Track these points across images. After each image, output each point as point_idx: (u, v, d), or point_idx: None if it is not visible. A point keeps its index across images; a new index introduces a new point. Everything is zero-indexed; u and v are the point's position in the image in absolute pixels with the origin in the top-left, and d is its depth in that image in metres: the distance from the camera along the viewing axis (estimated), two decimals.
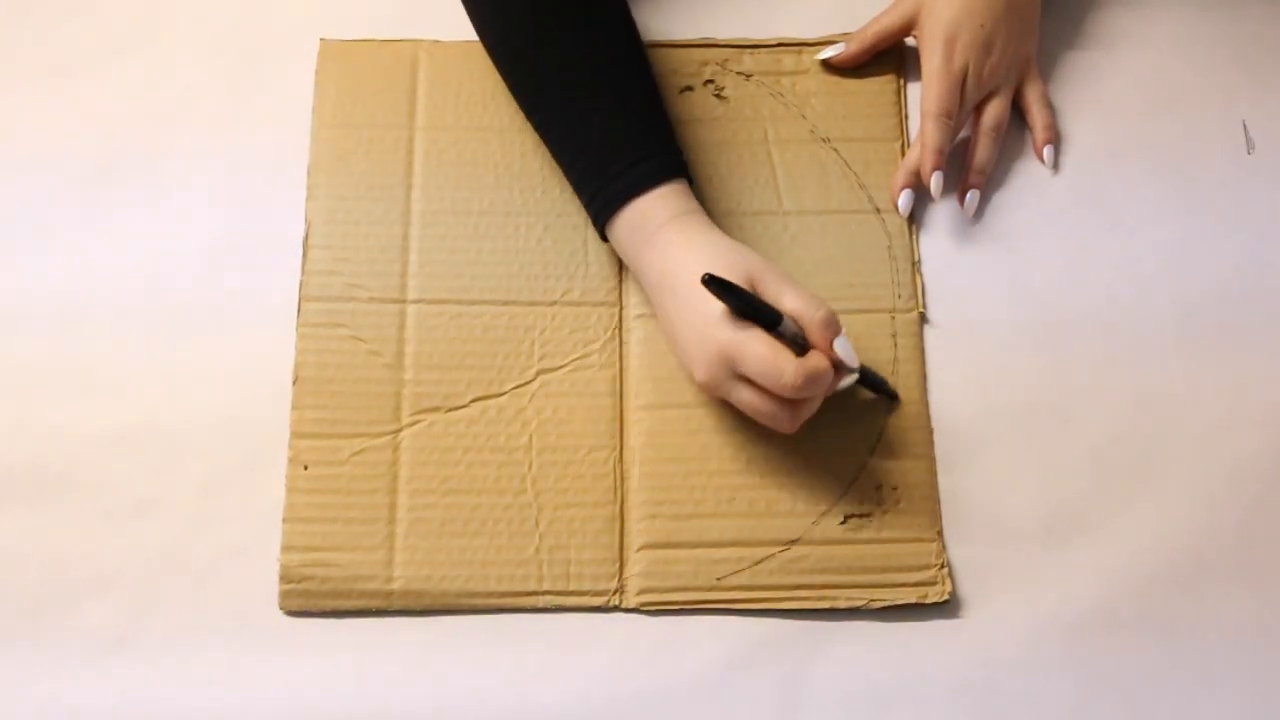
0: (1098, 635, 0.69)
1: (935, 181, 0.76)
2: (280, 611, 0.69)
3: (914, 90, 0.82)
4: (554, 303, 0.75)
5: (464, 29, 0.81)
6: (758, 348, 0.64)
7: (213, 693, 0.67)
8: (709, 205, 0.74)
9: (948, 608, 0.69)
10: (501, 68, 0.77)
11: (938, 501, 0.71)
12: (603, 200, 0.71)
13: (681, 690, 0.68)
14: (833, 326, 0.66)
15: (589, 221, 0.74)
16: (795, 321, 0.66)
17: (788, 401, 0.66)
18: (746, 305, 0.65)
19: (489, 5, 0.76)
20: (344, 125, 0.79)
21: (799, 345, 0.66)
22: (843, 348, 0.66)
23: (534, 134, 0.77)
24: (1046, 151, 0.79)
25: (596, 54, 0.73)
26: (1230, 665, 0.68)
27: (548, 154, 0.77)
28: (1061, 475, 0.72)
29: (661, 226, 0.70)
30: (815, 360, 0.65)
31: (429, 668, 0.68)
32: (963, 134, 0.80)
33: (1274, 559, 0.70)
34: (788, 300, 0.66)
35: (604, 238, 0.74)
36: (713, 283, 0.64)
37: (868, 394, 0.73)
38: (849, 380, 0.68)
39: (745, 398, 0.67)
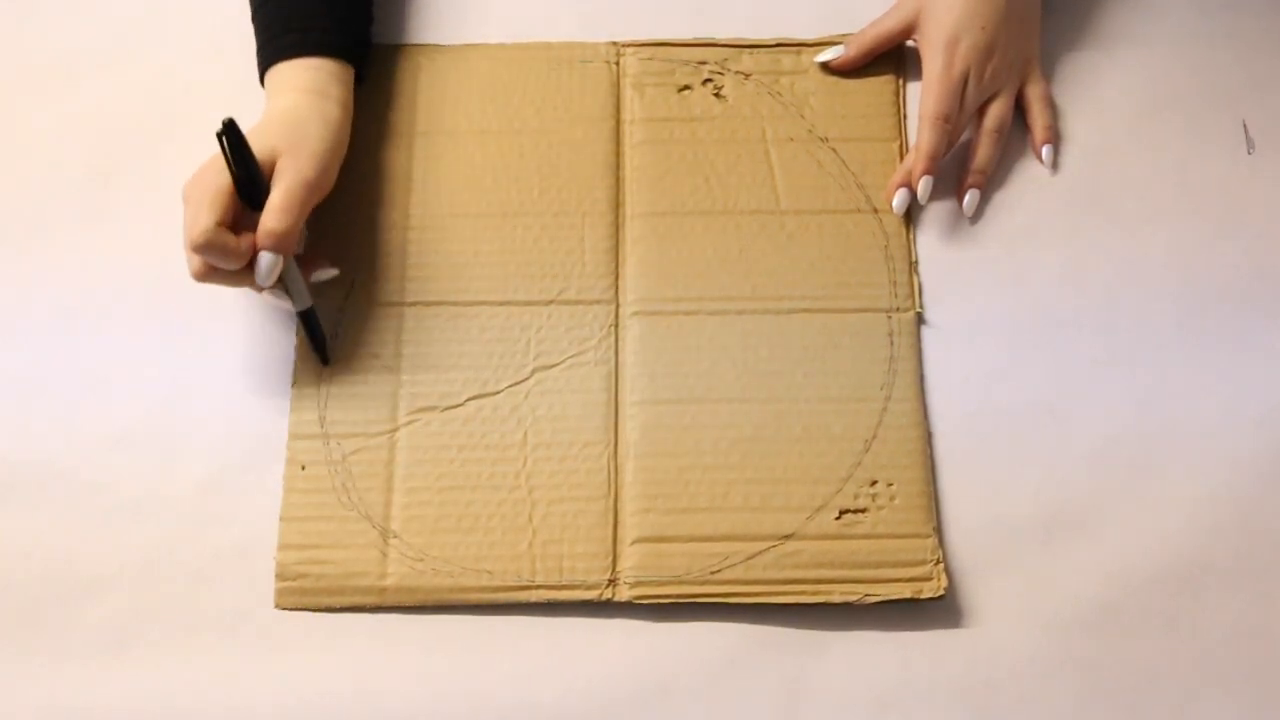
0: (1098, 635, 0.68)
1: (923, 186, 0.76)
2: (278, 610, 0.69)
3: (913, 90, 0.81)
4: (550, 301, 0.75)
5: (463, 33, 0.82)
6: (195, 191, 0.66)
7: (212, 692, 0.67)
8: (706, 204, 0.76)
9: (947, 608, 0.69)
10: None
11: (933, 498, 0.71)
12: (260, 56, 0.75)
13: (681, 690, 0.67)
14: (267, 241, 0.66)
15: (586, 219, 0.75)
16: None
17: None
18: (236, 166, 0.66)
19: None
20: None
21: None
22: (263, 266, 0.66)
23: (531, 135, 0.78)
24: (1045, 151, 0.79)
25: None
26: (1230, 665, 0.68)
27: (544, 156, 0.78)
28: (1061, 475, 0.72)
29: (285, 93, 0.73)
30: (227, 238, 0.65)
31: (429, 667, 0.68)
32: (965, 135, 0.80)
33: (1274, 559, 0.70)
34: (275, 194, 0.67)
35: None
36: (228, 131, 0.64)
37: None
38: (287, 304, 0.70)
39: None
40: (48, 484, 0.72)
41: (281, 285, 0.70)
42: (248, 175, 0.66)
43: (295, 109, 0.72)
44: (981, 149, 0.78)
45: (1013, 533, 0.71)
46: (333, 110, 0.73)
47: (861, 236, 0.77)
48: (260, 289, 0.69)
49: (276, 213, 0.67)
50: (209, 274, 0.67)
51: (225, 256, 0.65)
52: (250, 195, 0.67)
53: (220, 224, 0.65)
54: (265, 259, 0.67)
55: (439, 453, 0.72)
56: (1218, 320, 0.75)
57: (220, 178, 0.66)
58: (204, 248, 0.64)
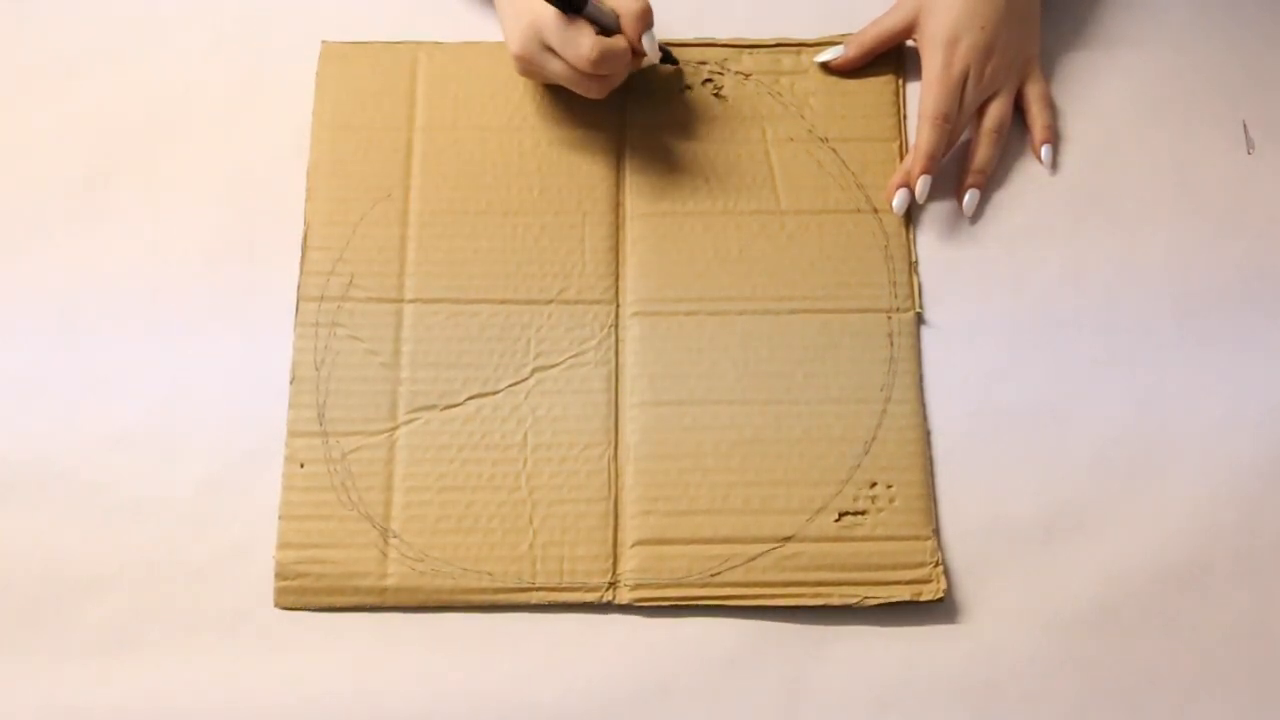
0: (1098, 635, 0.68)
1: (921, 186, 0.76)
2: (277, 609, 0.69)
3: (913, 90, 0.81)
4: (550, 301, 0.75)
5: (463, 31, 0.82)
6: (551, 35, 0.72)
7: (212, 693, 0.67)
8: (706, 204, 0.76)
9: (947, 608, 0.69)
10: None
11: (932, 500, 0.71)
12: None
13: (681, 690, 0.67)
14: (645, 19, 0.73)
15: (586, 219, 0.75)
16: (614, 10, 0.73)
17: (593, 75, 0.73)
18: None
19: None
20: (344, 127, 0.79)
21: (603, 26, 0.73)
22: (649, 42, 0.74)
23: (532, 133, 0.79)
24: (1044, 151, 0.79)
25: None
26: (1230, 665, 0.68)
27: (544, 154, 0.77)
28: (1061, 475, 0.72)
29: None
30: (613, 41, 0.72)
31: (429, 667, 0.68)
32: (965, 135, 0.80)
33: (1274, 559, 0.70)
34: None
35: None
36: None
37: None
38: (648, 63, 0.78)
39: (555, 69, 0.74)
40: (48, 484, 0.72)
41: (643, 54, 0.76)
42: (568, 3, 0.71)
43: None
44: (981, 149, 0.78)
45: (1012, 533, 0.71)
46: None
47: (861, 236, 0.77)
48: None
49: None
50: (611, 80, 0.75)
51: (618, 59, 0.72)
52: (572, 2, 0.71)
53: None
54: (649, 37, 0.74)
55: (439, 452, 0.72)
56: (1218, 320, 0.75)
57: (554, 11, 0.71)
58: (601, 60, 0.71)
